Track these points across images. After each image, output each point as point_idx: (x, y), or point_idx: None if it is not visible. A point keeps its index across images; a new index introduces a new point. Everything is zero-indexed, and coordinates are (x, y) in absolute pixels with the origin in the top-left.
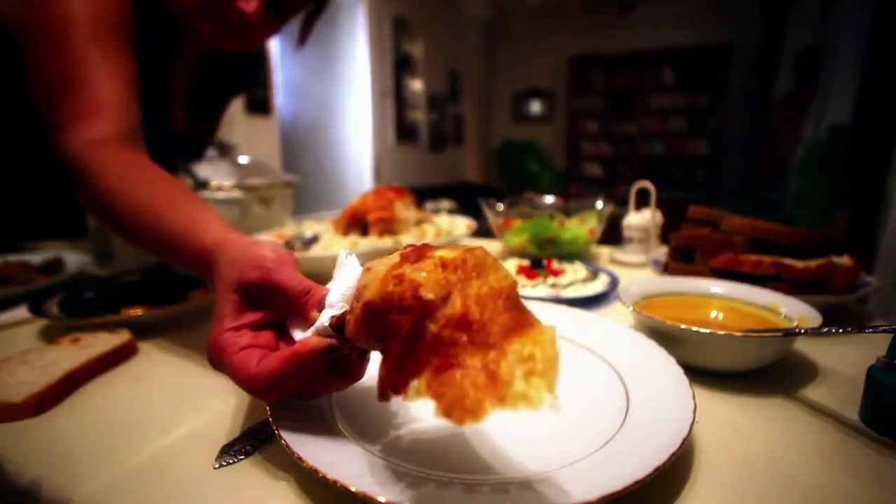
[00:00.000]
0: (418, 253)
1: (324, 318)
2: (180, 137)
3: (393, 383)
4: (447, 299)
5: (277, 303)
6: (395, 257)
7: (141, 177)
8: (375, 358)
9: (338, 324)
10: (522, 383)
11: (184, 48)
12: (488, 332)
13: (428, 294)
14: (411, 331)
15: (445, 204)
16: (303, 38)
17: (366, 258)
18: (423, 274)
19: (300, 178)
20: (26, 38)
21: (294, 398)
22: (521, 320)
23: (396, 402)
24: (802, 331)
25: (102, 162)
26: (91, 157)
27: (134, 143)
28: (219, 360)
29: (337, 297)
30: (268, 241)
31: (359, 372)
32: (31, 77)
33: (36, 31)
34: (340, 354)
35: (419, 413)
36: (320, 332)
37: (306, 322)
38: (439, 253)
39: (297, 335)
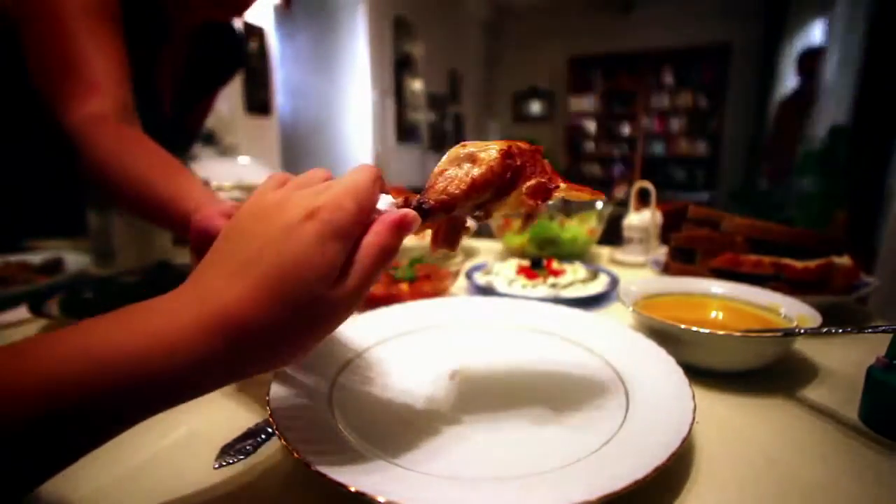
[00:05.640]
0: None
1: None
2: (168, 123)
3: (555, 186)
4: None
5: None
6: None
7: (134, 150)
8: None
9: (409, 203)
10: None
11: (171, 28)
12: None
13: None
14: (543, 164)
15: None
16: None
17: None
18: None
19: None
20: (23, 23)
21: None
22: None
23: (397, 401)
24: (802, 331)
25: (99, 136)
26: (89, 132)
27: (128, 118)
28: None
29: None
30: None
31: None
32: (30, 61)
33: (31, 16)
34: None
35: (419, 414)
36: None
37: None
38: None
39: None
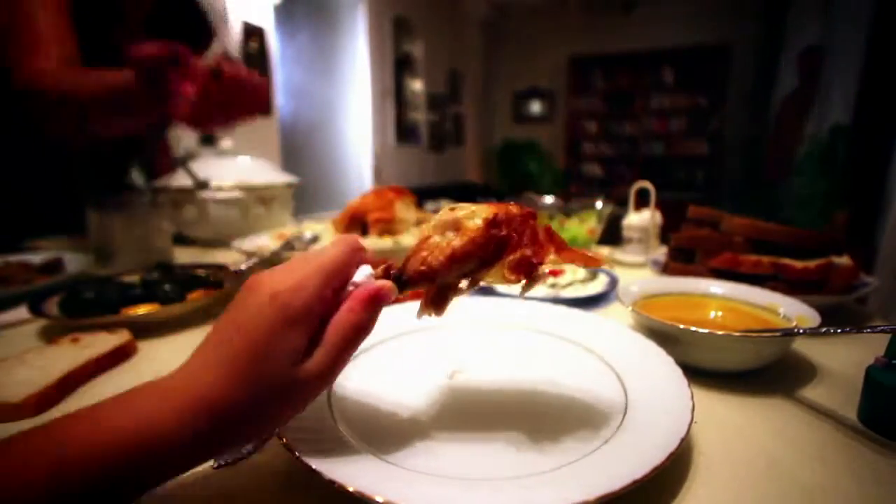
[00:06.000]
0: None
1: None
2: None
3: (539, 262)
4: None
5: None
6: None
7: (96, 70)
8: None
9: (388, 273)
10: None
11: (124, 7)
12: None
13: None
14: (534, 231)
15: (446, 204)
16: None
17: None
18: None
19: (300, 178)
20: None
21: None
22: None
23: (396, 401)
24: (801, 331)
25: (53, 78)
26: (42, 82)
27: (77, 66)
28: None
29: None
30: None
31: None
32: None
33: None
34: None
35: (419, 414)
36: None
37: None
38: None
39: None
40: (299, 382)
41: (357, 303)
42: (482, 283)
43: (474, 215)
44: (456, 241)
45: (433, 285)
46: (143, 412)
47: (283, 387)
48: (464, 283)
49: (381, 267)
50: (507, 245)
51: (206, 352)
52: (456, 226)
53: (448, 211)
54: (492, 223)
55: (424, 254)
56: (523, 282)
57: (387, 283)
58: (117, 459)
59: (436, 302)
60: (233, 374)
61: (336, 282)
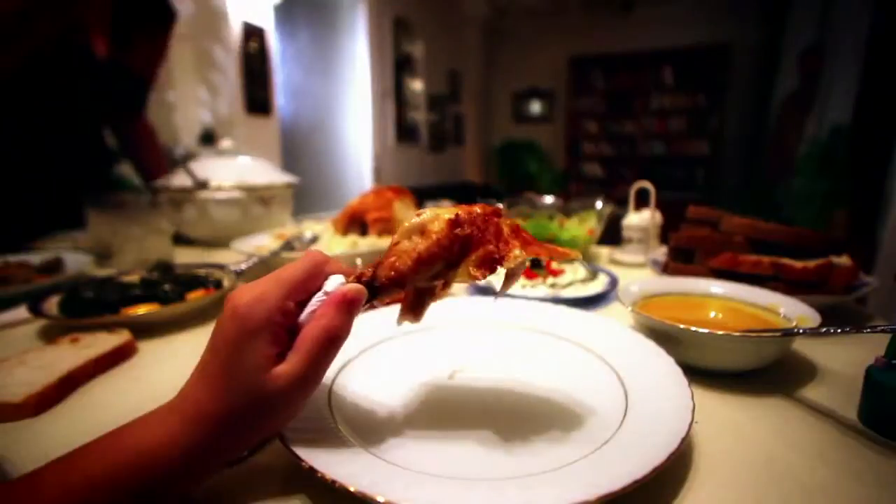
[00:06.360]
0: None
1: (333, 284)
2: (107, 67)
3: (501, 257)
4: None
5: None
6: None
7: None
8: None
9: (359, 281)
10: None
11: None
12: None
13: (499, 208)
14: (498, 228)
15: (445, 204)
16: None
17: (366, 258)
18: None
19: (300, 178)
20: None
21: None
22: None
23: (396, 401)
24: (801, 331)
25: None
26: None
27: None
28: None
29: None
30: None
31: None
32: None
33: None
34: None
35: (419, 414)
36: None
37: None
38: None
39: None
40: (274, 389)
41: (327, 308)
42: (459, 283)
43: (438, 218)
44: (421, 244)
45: (405, 290)
46: (153, 431)
47: (257, 394)
48: (438, 286)
49: (353, 276)
50: (471, 244)
51: (196, 370)
52: (421, 229)
53: (416, 216)
54: (454, 223)
55: (393, 259)
56: (502, 280)
57: (355, 286)
58: (131, 473)
59: (413, 308)
60: (210, 389)
61: (298, 294)
